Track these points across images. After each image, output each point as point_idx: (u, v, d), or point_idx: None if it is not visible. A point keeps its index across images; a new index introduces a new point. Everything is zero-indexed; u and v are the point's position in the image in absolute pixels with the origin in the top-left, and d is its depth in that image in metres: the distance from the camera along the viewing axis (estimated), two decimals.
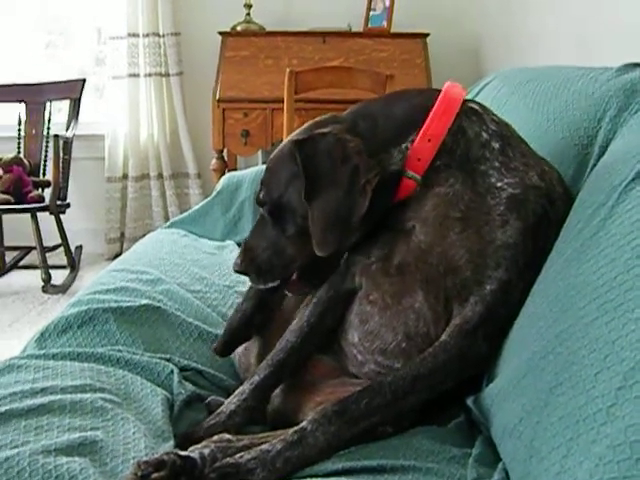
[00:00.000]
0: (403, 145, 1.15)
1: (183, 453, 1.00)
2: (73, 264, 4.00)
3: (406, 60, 3.83)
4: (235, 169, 3.96)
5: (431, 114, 1.15)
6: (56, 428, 1.05)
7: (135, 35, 4.05)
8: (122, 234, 4.32)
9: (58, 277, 3.85)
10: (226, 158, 3.94)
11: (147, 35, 4.04)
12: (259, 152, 4.10)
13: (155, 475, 0.92)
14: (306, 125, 1.24)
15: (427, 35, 3.87)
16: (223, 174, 3.84)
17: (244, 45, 3.80)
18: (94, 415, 1.10)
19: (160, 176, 4.24)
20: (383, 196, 1.16)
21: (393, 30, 3.93)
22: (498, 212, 1.11)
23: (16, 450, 0.96)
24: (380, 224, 1.20)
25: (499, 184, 1.12)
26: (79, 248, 4.20)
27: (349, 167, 1.11)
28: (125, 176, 4.25)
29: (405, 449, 1.04)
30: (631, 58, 1.45)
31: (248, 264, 1.23)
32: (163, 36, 4.06)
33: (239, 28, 3.93)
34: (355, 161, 1.11)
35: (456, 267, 1.11)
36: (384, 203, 1.17)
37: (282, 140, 3.33)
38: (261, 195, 1.21)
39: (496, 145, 1.15)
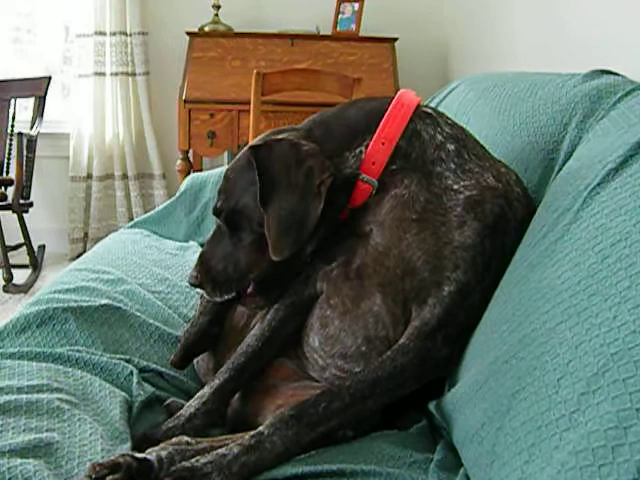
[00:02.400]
0: (357, 149, 1.16)
1: (139, 455, 0.98)
2: (35, 264, 3.94)
3: (374, 64, 3.83)
4: (200, 170, 3.93)
5: (384, 118, 1.17)
6: (11, 429, 1.02)
7: (102, 33, 4.00)
8: (85, 234, 4.26)
9: (20, 277, 3.79)
10: (191, 159, 3.91)
11: (114, 34, 3.99)
12: (225, 153, 4.07)
13: (110, 478, 0.90)
14: (263, 134, 1.25)
15: (395, 40, 3.88)
16: (188, 175, 3.80)
17: (212, 46, 3.77)
18: (50, 416, 1.07)
19: (125, 176, 4.19)
20: (338, 200, 1.17)
21: (362, 34, 3.93)
22: (455, 213, 1.11)
23: None
24: (341, 230, 1.20)
25: (455, 186, 1.13)
26: (42, 248, 4.14)
27: (303, 169, 1.12)
28: (89, 176, 4.19)
29: (366, 453, 1.03)
30: (597, 65, 1.46)
31: (204, 276, 1.22)
32: (130, 35, 4.01)
33: (207, 29, 3.90)
34: (309, 163, 1.12)
35: (413, 269, 1.11)
36: (340, 207, 1.18)
37: (248, 142, 3.33)
38: (218, 204, 1.21)
39: (451, 147, 1.16)
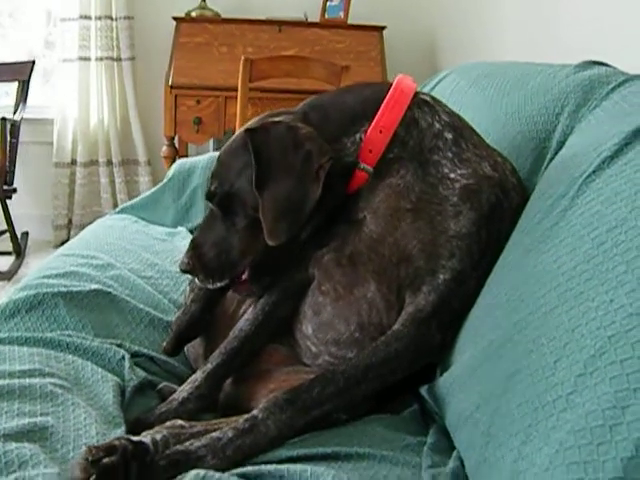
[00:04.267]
0: (355, 136, 1.16)
1: (135, 438, 0.98)
2: (19, 250, 3.91)
3: (362, 52, 3.83)
4: (186, 157, 3.91)
5: (382, 106, 1.16)
6: (4, 413, 1.02)
7: (87, 17, 3.96)
8: (70, 221, 4.23)
9: (3, 264, 3.76)
10: (177, 145, 3.89)
11: (99, 18, 3.95)
12: (211, 140, 4.06)
13: (106, 460, 0.90)
14: (258, 117, 1.24)
15: (383, 28, 3.88)
16: (174, 161, 3.78)
17: (198, 31, 3.75)
18: (44, 400, 1.07)
19: (109, 162, 4.16)
20: (336, 187, 1.16)
21: (350, 22, 3.93)
22: (451, 203, 1.12)
23: None
24: (332, 216, 1.20)
25: (452, 175, 1.13)
26: (25, 234, 4.11)
27: (301, 153, 1.11)
28: (74, 162, 4.15)
29: (360, 436, 1.04)
30: (586, 56, 1.47)
31: (196, 263, 1.21)
32: (116, 19, 3.98)
33: (194, 14, 3.88)
34: (308, 147, 1.11)
35: (409, 256, 1.12)
36: (337, 194, 1.17)
37: (235, 129, 3.32)
38: (212, 188, 1.19)
39: (449, 136, 1.16)
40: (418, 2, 4.11)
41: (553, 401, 0.71)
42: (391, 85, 1.18)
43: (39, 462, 0.91)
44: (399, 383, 1.14)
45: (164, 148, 3.80)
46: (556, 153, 1.26)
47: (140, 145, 4.15)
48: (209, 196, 1.20)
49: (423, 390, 1.13)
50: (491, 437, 0.81)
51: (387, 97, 1.16)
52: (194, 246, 1.22)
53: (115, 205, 4.16)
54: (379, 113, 1.15)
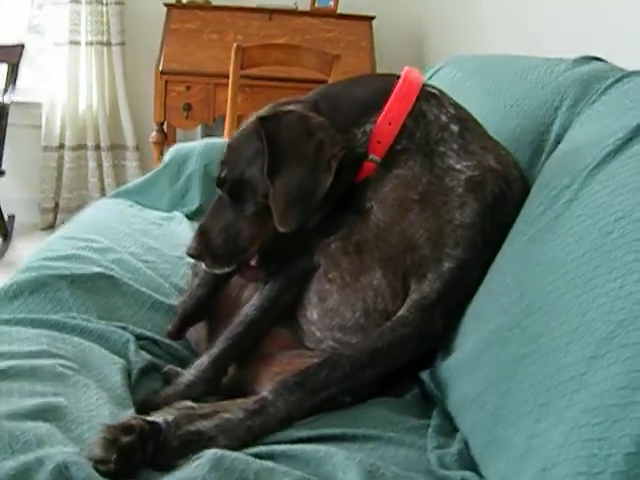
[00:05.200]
0: (365, 127, 1.18)
1: (149, 418, 1.00)
2: (6, 233, 3.90)
3: (351, 42, 3.84)
4: (174, 142, 3.92)
5: (391, 98, 1.18)
6: (17, 393, 1.03)
7: (77, 2, 3.93)
8: (56, 204, 4.20)
9: None
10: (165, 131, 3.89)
11: (90, 2, 3.92)
12: (199, 127, 4.06)
13: (125, 439, 0.92)
14: (268, 106, 1.25)
15: (373, 18, 3.89)
16: (162, 147, 3.80)
17: (189, 18, 3.74)
18: (54, 381, 1.09)
19: (97, 147, 4.14)
20: (346, 176, 1.18)
21: (340, 11, 3.93)
22: (457, 193, 1.15)
23: None
24: (340, 205, 1.22)
25: (458, 166, 1.16)
26: (12, 217, 4.08)
27: (314, 142, 1.13)
28: (62, 146, 4.12)
29: (365, 419, 1.07)
30: (577, 50, 1.51)
31: (203, 248, 1.22)
32: (106, 4, 3.95)
33: (184, 1, 3.87)
34: (320, 136, 1.13)
35: (415, 245, 1.15)
36: (346, 183, 1.19)
37: (225, 116, 3.33)
38: (222, 174, 1.21)
39: (455, 128, 1.19)
40: None
41: (565, 382, 0.74)
42: (399, 77, 1.21)
43: (57, 441, 0.92)
44: (399, 369, 1.17)
45: (153, 133, 3.79)
46: (555, 146, 1.29)
47: (128, 130, 4.14)
48: (219, 183, 1.21)
49: (424, 375, 1.16)
50: (500, 418, 0.85)
51: (396, 89, 1.18)
52: (202, 232, 1.23)
53: (102, 189, 4.15)
54: (388, 105, 1.17)
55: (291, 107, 1.18)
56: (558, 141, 1.29)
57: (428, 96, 1.21)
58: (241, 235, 1.20)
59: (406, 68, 1.23)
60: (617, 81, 1.26)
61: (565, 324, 0.80)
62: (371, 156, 1.18)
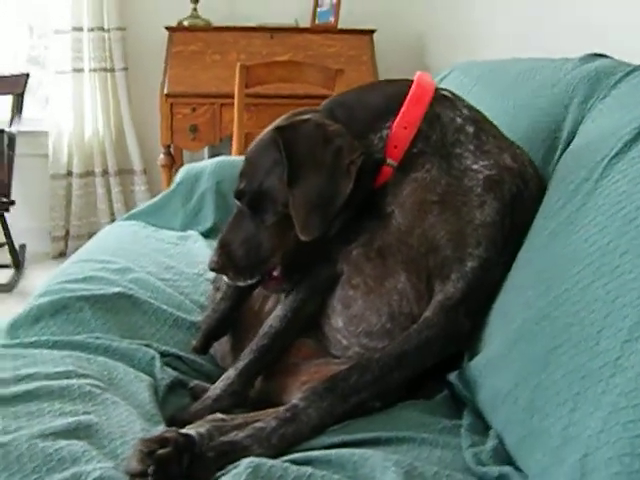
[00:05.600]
0: (382, 132, 1.19)
1: (183, 431, 1.01)
2: (18, 263, 3.91)
3: (353, 56, 3.87)
4: (182, 164, 3.94)
5: (406, 102, 1.19)
6: (47, 413, 1.04)
7: (79, 29, 3.98)
8: (67, 232, 4.23)
9: (2, 276, 3.77)
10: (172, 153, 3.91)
11: (92, 29, 3.97)
12: (205, 148, 4.09)
13: (161, 451, 0.93)
14: (284, 116, 1.26)
15: (373, 31, 3.92)
16: (171, 169, 3.82)
17: (191, 40, 3.77)
18: (83, 400, 1.09)
19: (105, 172, 4.17)
20: (365, 182, 1.18)
21: (340, 26, 3.96)
22: (476, 193, 1.15)
23: (11, 436, 0.95)
24: (359, 211, 1.22)
25: (475, 166, 1.17)
26: (23, 247, 4.11)
27: (332, 149, 1.13)
28: (70, 173, 4.16)
29: (396, 422, 1.08)
30: (582, 49, 1.52)
31: (225, 261, 1.22)
32: (108, 31, 4.00)
33: (186, 23, 3.91)
34: (338, 142, 1.14)
35: (437, 246, 1.15)
36: (365, 189, 1.20)
37: (231, 135, 3.35)
38: (241, 186, 1.21)
39: (470, 129, 1.19)
40: (406, 5, 4.15)
41: (599, 368, 0.75)
42: (412, 82, 1.22)
43: (92, 457, 0.93)
44: (426, 372, 1.17)
45: (161, 156, 3.81)
46: (568, 143, 1.30)
47: (135, 155, 4.17)
48: (238, 195, 1.22)
49: (452, 376, 1.16)
50: (535, 410, 0.85)
51: (410, 94, 1.19)
52: (222, 245, 1.23)
53: (112, 215, 4.17)
54: (403, 109, 1.18)
55: (307, 116, 1.19)
56: (571, 138, 1.30)
57: (442, 99, 1.22)
58: (263, 246, 1.21)
59: (418, 73, 1.24)
60: (626, 75, 1.27)
61: (595, 312, 0.81)
62: (388, 161, 1.19)
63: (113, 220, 3.92)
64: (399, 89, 1.21)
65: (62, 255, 4.10)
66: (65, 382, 1.13)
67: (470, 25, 3.55)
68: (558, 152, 1.31)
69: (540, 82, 1.47)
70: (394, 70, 3.95)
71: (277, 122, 1.24)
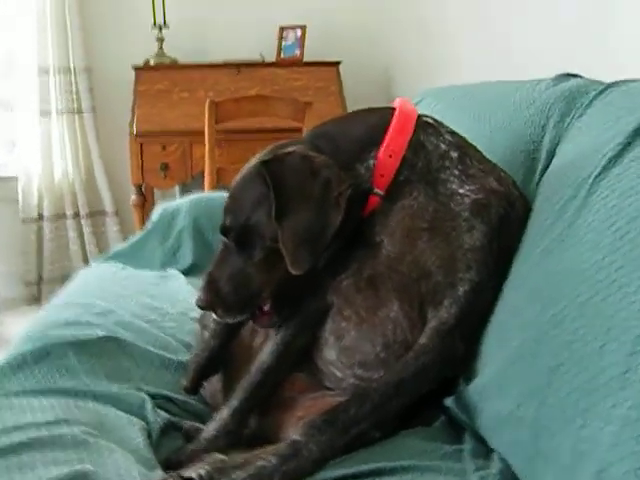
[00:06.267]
0: (367, 162, 1.19)
1: (184, 474, 0.99)
2: None
3: (320, 88, 3.90)
4: (154, 204, 3.92)
5: (390, 131, 1.19)
6: (41, 465, 1.01)
7: (46, 72, 3.96)
8: (40, 276, 4.17)
9: None
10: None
11: (58, 72, 3.95)
12: (176, 187, 4.08)
13: None
14: (266, 149, 1.25)
15: (339, 63, 3.96)
16: (143, 209, 3.80)
17: (158, 78, 3.77)
18: (77, 448, 1.07)
19: (77, 215, 4.12)
20: (353, 212, 1.18)
21: (306, 59, 4.00)
22: (464, 218, 1.16)
23: None
24: (347, 242, 1.22)
25: (461, 191, 1.17)
26: None
27: (320, 181, 1.13)
28: (40, 217, 4.10)
29: (398, 451, 1.07)
30: (551, 69, 1.54)
31: (214, 298, 1.20)
32: (75, 72, 3.98)
33: (152, 62, 3.91)
34: (326, 174, 1.13)
35: (428, 272, 1.15)
36: (354, 220, 1.19)
37: (202, 172, 3.35)
38: (227, 222, 1.20)
39: (454, 154, 1.20)
40: (371, 36, 4.19)
41: (606, 382, 0.75)
42: (393, 110, 1.22)
43: None
44: (421, 399, 1.17)
45: (133, 197, 3.79)
46: (547, 163, 1.32)
47: (106, 196, 4.14)
48: (224, 231, 1.20)
49: (449, 401, 1.15)
50: (541, 430, 0.84)
51: (393, 122, 1.20)
52: (210, 281, 1.21)
53: (85, 258, 4.12)
54: (388, 138, 1.18)
55: (291, 148, 1.18)
56: (550, 157, 1.31)
57: (424, 126, 1.22)
58: (252, 281, 1.19)
59: (399, 100, 1.25)
60: (599, 93, 1.30)
61: (596, 327, 0.81)
62: (376, 190, 1.18)
63: (87, 263, 3.87)
64: (382, 118, 1.22)
65: (36, 300, 4.04)
66: (56, 431, 1.10)
67: (436, 54, 3.60)
68: (538, 172, 1.33)
69: (515, 104, 1.48)
70: (362, 100, 3.97)
71: (260, 155, 1.23)
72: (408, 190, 1.18)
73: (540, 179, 1.31)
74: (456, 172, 1.18)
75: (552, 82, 1.46)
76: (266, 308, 1.24)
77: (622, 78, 1.32)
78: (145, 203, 3.85)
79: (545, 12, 2.52)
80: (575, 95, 1.35)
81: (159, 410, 1.29)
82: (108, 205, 4.16)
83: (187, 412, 1.36)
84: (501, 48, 2.88)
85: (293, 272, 1.13)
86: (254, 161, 1.21)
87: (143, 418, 1.25)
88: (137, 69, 3.83)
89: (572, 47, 2.29)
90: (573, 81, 1.43)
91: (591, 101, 1.29)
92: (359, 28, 4.19)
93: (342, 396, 1.16)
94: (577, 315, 0.86)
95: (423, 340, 1.14)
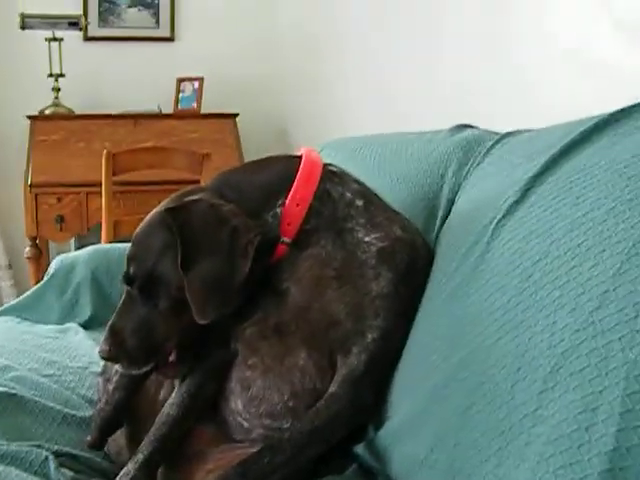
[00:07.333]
0: (274, 210, 1.18)
1: None
2: None
3: (218, 140, 3.91)
4: (49, 257, 3.80)
5: (297, 180, 1.20)
6: None
7: None
8: None
9: None
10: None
11: None
12: (72, 239, 3.97)
13: None
14: (171, 197, 1.23)
15: (236, 115, 3.99)
16: (38, 262, 3.67)
17: (54, 129, 3.71)
18: None
19: None
20: (261, 260, 1.17)
21: (203, 111, 4.02)
22: (370, 265, 1.17)
23: None
24: (252, 290, 1.21)
25: (367, 239, 1.19)
26: None
27: (228, 229, 1.11)
28: None
29: None
30: (444, 122, 1.62)
31: (117, 349, 1.16)
32: None
33: (48, 112, 3.84)
34: (233, 223, 1.12)
35: (337, 320, 1.16)
36: (261, 268, 1.19)
37: (99, 224, 3.27)
38: (131, 271, 1.17)
39: (360, 203, 1.22)
40: (268, 88, 4.26)
41: (519, 421, 0.77)
42: (299, 158, 1.23)
43: None
44: (331, 448, 1.16)
45: (27, 249, 3.67)
46: (447, 210, 1.37)
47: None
48: (128, 280, 1.17)
49: (359, 448, 1.15)
50: (456, 472, 0.85)
51: (300, 171, 1.20)
52: (113, 332, 1.17)
53: None
54: (294, 187, 1.19)
55: (197, 196, 1.17)
56: (449, 205, 1.36)
57: (330, 175, 1.24)
58: (157, 331, 1.16)
59: (305, 149, 1.27)
60: (496, 142, 1.36)
61: (505, 367, 0.83)
62: (283, 238, 1.18)
63: None
64: (287, 166, 1.22)
65: None
66: None
67: (328, 104, 3.68)
68: (438, 220, 1.37)
69: (414, 155, 1.53)
70: (259, 151, 3.96)
71: (165, 202, 1.21)
72: (315, 239, 1.19)
73: (441, 227, 1.35)
74: (362, 221, 1.20)
75: (449, 132, 1.52)
76: (171, 358, 1.21)
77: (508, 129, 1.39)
78: (40, 256, 3.73)
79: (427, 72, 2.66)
80: (472, 144, 1.42)
81: (63, 468, 1.23)
82: (1, 258, 4.01)
83: (92, 469, 1.31)
84: (393, 99, 2.99)
85: (200, 322, 1.11)
86: (159, 208, 1.19)
87: (46, 477, 1.19)
88: (32, 118, 3.75)
89: (459, 96, 2.40)
90: (469, 131, 1.49)
91: (489, 150, 1.36)
92: (256, 80, 4.26)
93: (253, 447, 1.14)
94: (485, 357, 0.88)
95: (333, 388, 1.14)
